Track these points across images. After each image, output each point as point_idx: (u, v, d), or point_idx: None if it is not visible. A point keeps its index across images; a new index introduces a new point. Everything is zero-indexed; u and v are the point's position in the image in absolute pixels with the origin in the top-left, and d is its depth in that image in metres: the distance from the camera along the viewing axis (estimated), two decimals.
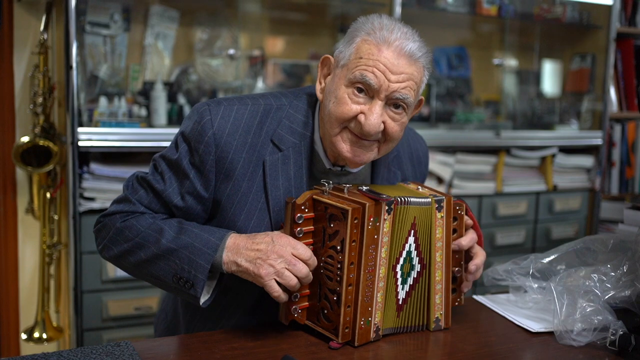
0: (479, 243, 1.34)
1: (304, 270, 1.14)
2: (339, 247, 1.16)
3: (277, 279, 1.14)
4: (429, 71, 1.27)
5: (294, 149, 1.30)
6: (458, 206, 1.29)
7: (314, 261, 1.17)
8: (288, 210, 1.18)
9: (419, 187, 1.34)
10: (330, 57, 1.30)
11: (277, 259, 1.14)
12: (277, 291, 1.14)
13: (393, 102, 1.22)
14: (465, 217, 1.31)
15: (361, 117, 1.21)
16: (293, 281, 1.14)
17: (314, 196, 1.20)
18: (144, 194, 1.28)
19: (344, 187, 1.21)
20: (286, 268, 1.13)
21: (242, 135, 1.27)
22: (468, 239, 1.30)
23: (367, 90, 1.21)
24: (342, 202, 1.16)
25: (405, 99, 1.22)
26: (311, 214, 1.20)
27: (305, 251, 1.16)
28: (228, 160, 1.26)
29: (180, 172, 1.27)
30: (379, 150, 1.28)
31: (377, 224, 1.17)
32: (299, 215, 1.17)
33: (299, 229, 1.18)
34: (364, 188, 1.21)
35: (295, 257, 1.15)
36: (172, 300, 1.48)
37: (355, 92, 1.21)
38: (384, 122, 1.23)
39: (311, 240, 1.21)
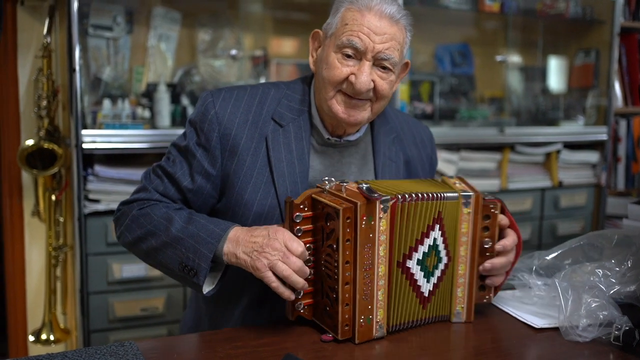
0: (517, 244, 1.35)
1: (297, 263, 1.16)
2: (334, 246, 1.17)
3: (272, 270, 1.17)
4: (411, 33, 1.37)
5: (293, 124, 1.39)
6: (492, 204, 1.29)
7: (305, 256, 1.19)
8: (287, 209, 1.20)
9: (457, 182, 1.36)
10: (319, 30, 1.41)
11: (271, 251, 1.16)
12: (274, 281, 1.17)
13: (379, 64, 1.32)
14: (501, 216, 1.31)
15: (352, 78, 1.31)
16: (287, 272, 1.16)
17: (313, 195, 1.21)
18: (159, 182, 1.37)
19: (342, 185, 1.22)
20: (280, 260, 1.16)
21: (243, 113, 1.37)
22: (511, 240, 1.32)
23: (355, 54, 1.31)
24: (336, 202, 1.17)
25: (390, 59, 1.31)
26: (310, 213, 1.21)
27: (297, 247, 1.17)
28: (232, 136, 1.35)
29: (189, 154, 1.36)
30: (372, 109, 1.37)
31: (372, 222, 1.17)
32: (297, 214, 1.19)
33: (297, 227, 1.19)
34: (364, 186, 1.20)
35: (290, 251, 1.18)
36: (196, 300, 1.52)
37: (344, 57, 1.31)
38: (373, 81, 1.32)
39: (311, 239, 1.22)
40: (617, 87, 3.44)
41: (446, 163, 2.93)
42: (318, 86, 1.38)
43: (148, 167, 1.45)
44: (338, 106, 1.34)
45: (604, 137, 3.31)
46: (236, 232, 1.23)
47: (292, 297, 1.19)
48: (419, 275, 1.26)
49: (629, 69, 3.50)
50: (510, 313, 1.38)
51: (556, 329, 1.28)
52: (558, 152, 3.19)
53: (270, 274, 1.16)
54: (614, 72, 3.31)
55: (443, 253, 1.29)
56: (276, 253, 1.16)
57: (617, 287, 1.30)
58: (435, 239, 1.27)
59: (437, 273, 1.29)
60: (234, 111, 1.36)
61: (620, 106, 3.46)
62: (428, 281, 1.28)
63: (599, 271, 1.33)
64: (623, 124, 3.45)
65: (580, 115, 3.39)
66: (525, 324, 1.32)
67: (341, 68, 1.31)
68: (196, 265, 1.22)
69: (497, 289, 1.36)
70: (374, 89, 1.33)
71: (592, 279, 1.32)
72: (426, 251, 1.26)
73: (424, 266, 1.26)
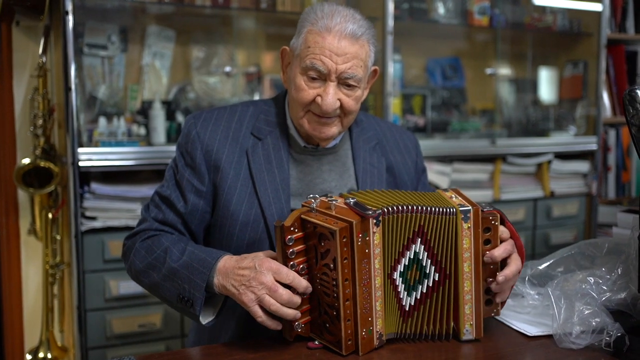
0: (519, 253, 1.32)
1: (284, 296, 1.17)
2: (331, 265, 1.17)
3: (259, 304, 1.18)
4: (375, 45, 1.41)
5: (271, 136, 1.46)
6: (491, 216, 1.26)
7: (298, 283, 1.18)
8: (277, 233, 1.19)
9: (454, 195, 1.32)
10: (287, 48, 1.45)
11: (258, 285, 1.17)
12: (260, 316, 1.18)
13: (344, 82, 1.36)
14: (502, 228, 1.29)
15: (318, 99, 1.36)
16: (274, 306, 1.16)
17: (302, 216, 1.21)
18: (157, 210, 1.42)
19: (330, 203, 1.22)
20: (267, 294, 1.17)
21: (223, 130, 1.45)
22: (501, 250, 1.27)
23: (319, 76, 1.35)
24: (329, 221, 1.16)
25: (354, 77, 1.35)
26: (301, 234, 1.21)
27: (288, 275, 1.17)
28: (214, 152, 1.41)
29: (179, 176, 1.43)
30: (342, 124, 1.43)
31: (367, 238, 1.17)
32: (289, 237, 1.19)
33: (290, 250, 1.19)
34: (351, 201, 1.20)
35: (278, 281, 1.17)
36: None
37: (310, 79, 1.36)
38: (339, 100, 1.37)
39: (304, 258, 1.22)
40: (605, 97, 3.49)
41: (439, 175, 2.96)
42: (290, 103, 1.44)
43: (144, 185, 1.47)
44: (308, 124, 1.40)
45: (594, 146, 3.35)
46: (225, 263, 1.24)
47: (279, 327, 1.21)
48: (401, 287, 1.25)
49: (616, 79, 3.54)
50: (504, 322, 1.40)
51: (549, 336, 1.30)
52: (549, 162, 3.23)
53: (257, 308, 1.18)
54: (601, 82, 3.36)
55: (430, 269, 1.25)
56: (263, 287, 1.17)
57: (608, 295, 1.32)
58: (416, 253, 1.24)
59: (422, 289, 1.26)
60: (215, 129, 1.44)
61: (609, 116, 3.51)
62: (409, 295, 1.25)
63: (591, 279, 1.35)
64: (612, 133, 3.49)
65: (574, 125, 3.43)
66: (519, 332, 1.34)
67: (308, 90, 1.36)
68: (192, 296, 1.24)
69: (503, 302, 1.34)
70: (341, 106, 1.37)
71: (584, 286, 1.33)
72: (407, 264, 1.24)
73: (405, 279, 1.25)
